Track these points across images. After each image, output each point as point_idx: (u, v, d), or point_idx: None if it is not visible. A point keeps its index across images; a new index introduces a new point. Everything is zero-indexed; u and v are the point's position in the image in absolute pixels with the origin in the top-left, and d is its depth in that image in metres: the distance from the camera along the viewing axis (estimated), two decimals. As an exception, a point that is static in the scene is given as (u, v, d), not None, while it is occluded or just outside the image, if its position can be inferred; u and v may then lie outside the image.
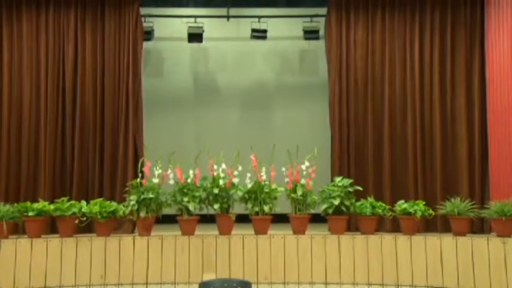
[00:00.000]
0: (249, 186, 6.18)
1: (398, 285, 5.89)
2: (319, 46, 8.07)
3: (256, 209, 6.14)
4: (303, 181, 6.20)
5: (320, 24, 7.84)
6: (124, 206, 6.12)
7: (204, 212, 6.24)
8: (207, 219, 6.29)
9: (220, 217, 6.11)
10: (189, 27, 8.00)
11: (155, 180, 6.07)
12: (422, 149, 7.01)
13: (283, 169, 6.25)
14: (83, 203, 6.16)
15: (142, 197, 6.00)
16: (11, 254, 5.75)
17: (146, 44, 7.59)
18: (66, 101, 6.99)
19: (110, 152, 6.97)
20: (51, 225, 6.30)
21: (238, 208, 6.25)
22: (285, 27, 8.59)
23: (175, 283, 5.84)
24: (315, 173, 6.24)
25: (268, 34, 8.09)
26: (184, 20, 8.10)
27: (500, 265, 5.66)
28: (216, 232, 6.07)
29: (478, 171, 6.91)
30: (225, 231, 6.05)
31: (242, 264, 5.89)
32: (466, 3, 7.12)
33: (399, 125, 7.08)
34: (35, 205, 6.03)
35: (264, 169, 6.17)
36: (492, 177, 6.74)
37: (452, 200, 6.20)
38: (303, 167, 6.22)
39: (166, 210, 6.23)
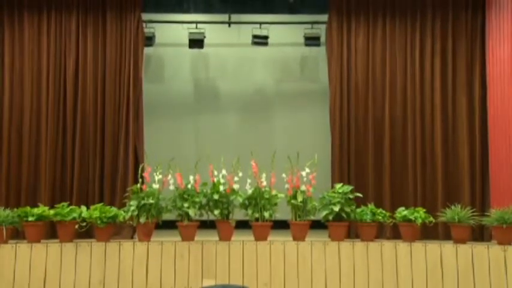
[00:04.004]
0: (249, 192, 6.17)
1: (398, 293, 5.88)
2: (320, 53, 8.08)
3: (256, 215, 6.13)
4: (303, 187, 6.20)
5: (321, 30, 7.85)
6: (124, 211, 6.11)
7: (204, 217, 6.22)
8: (207, 225, 6.28)
9: (220, 223, 6.10)
10: (190, 33, 8.01)
11: (155, 186, 6.06)
12: (423, 155, 7.01)
13: (284, 175, 6.24)
14: (83, 208, 6.15)
15: (142, 202, 6.00)
16: (11, 259, 5.74)
17: (147, 50, 7.61)
18: (67, 106, 7.00)
19: (110, 157, 6.96)
20: (51, 230, 6.27)
21: (238, 214, 6.24)
22: (286, 34, 8.59)
23: (174, 289, 5.83)
24: (315, 180, 6.23)
25: (269, 40, 8.10)
26: (185, 25, 8.12)
27: (500, 273, 5.66)
28: (216, 238, 6.07)
29: (478, 178, 6.90)
30: (225, 237, 6.04)
31: (242, 270, 5.88)
32: (467, 9, 7.13)
33: (400, 132, 7.09)
34: (35, 210, 6.02)
35: (264, 175, 6.16)
36: (492, 184, 6.74)
37: (453, 207, 6.19)
38: (303, 173, 6.21)
39: (167, 216, 6.21)
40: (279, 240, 6.00)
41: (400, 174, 7.02)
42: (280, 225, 6.33)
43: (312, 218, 6.29)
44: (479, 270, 5.72)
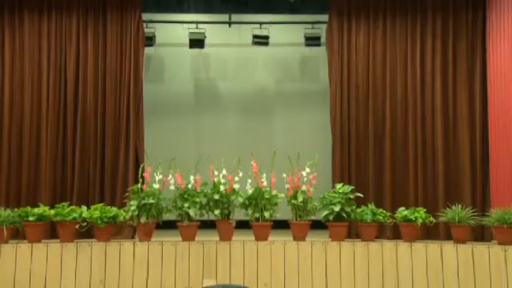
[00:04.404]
0: (250, 192, 6.17)
1: (398, 293, 5.88)
2: (320, 53, 8.08)
3: (257, 215, 6.13)
4: (303, 187, 6.20)
5: (321, 30, 7.86)
6: (124, 211, 6.12)
7: (205, 217, 6.23)
8: (207, 225, 6.29)
9: (220, 223, 6.10)
10: (191, 33, 8.02)
11: (156, 186, 6.07)
12: (424, 155, 7.00)
13: (284, 175, 6.24)
14: (84, 208, 6.16)
15: (142, 202, 6.00)
16: (11, 259, 5.74)
17: (147, 50, 7.61)
18: (67, 106, 6.99)
19: (110, 157, 6.96)
20: (52, 230, 6.29)
21: (238, 214, 6.25)
22: (286, 34, 8.60)
23: (175, 289, 5.83)
24: (315, 180, 6.23)
25: (270, 40, 8.10)
26: (186, 25, 8.12)
27: (501, 273, 5.65)
28: (217, 238, 6.06)
29: (479, 178, 6.89)
30: (225, 237, 6.04)
31: (242, 270, 5.88)
32: (468, 9, 7.13)
33: (400, 131, 7.08)
34: (36, 210, 6.03)
35: (264, 175, 6.16)
36: (493, 184, 6.73)
37: (453, 207, 6.19)
38: (304, 173, 6.21)
39: (167, 216, 6.22)
40: (280, 240, 6.00)
41: (401, 174, 7.02)
42: (281, 225, 6.33)
43: (313, 218, 6.29)
44: (480, 270, 5.72)
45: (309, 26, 8.10)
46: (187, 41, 8.05)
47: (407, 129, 7.07)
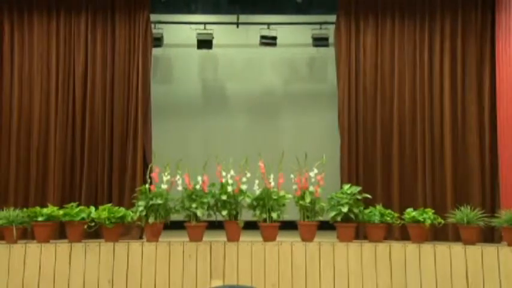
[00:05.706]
0: (257, 193, 6.17)
1: (407, 294, 5.86)
2: (328, 53, 8.07)
3: (264, 215, 6.12)
4: (311, 188, 6.19)
5: (329, 31, 7.85)
6: (132, 211, 6.13)
7: (212, 218, 6.24)
8: (215, 226, 6.29)
9: (228, 224, 6.11)
10: (198, 33, 8.04)
11: (164, 186, 6.08)
12: (432, 155, 6.97)
13: (292, 176, 6.23)
14: (92, 208, 6.18)
15: (150, 203, 6.01)
16: (20, 259, 5.77)
17: (155, 51, 7.63)
18: (75, 107, 7.03)
19: (118, 157, 6.99)
20: (60, 231, 6.31)
21: (246, 215, 6.25)
22: (294, 35, 8.60)
23: (182, 289, 5.84)
24: (323, 180, 6.21)
25: (277, 41, 8.10)
26: (194, 26, 8.14)
27: (510, 274, 5.62)
28: (224, 239, 6.07)
29: (488, 179, 6.86)
30: (233, 237, 6.04)
31: (250, 271, 5.88)
32: (477, 8, 7.08)
33: (409, 132, 7.06)
34: (44, 210, 6.06)
35: (272, 176, 6.16)
36: (502, 185, 6.68)
37: (462, 208, 6.16)
38: (312, 174, 6.20)
39: (175, 216, 6.23)
40: (287, 241, 6.00)
41: (409, 174, 6.99)
42: (288, 226, 6.33)
43: (320, 218, 6.28)
44: (489, 271, 5.68)
45: (317, 26, 8.10)
46: (195, 42, 8.07)
47: (415, 130, 7.04)
